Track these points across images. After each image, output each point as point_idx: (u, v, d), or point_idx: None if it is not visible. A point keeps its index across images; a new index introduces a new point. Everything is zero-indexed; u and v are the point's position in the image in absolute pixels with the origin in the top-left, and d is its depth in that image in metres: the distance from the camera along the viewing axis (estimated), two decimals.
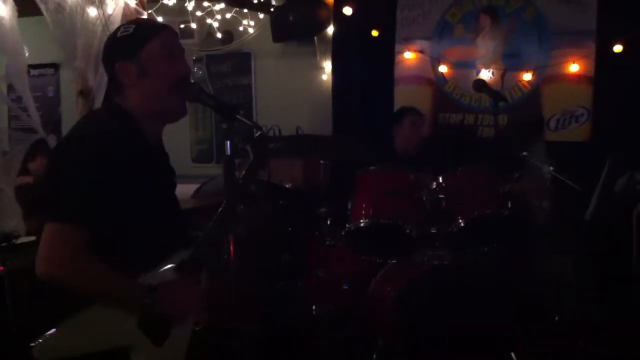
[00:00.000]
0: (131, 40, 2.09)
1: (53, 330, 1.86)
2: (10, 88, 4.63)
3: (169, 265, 2.09)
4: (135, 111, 2.09)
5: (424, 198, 3.73)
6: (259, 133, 2.11)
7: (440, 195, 3.69)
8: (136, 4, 4.38)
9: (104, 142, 1.94)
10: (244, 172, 2.20)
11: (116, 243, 1.95)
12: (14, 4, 3.73)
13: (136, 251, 1.98)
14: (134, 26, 2.13)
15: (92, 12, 4.06)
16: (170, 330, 2.02)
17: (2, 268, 2.88)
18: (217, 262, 2.12)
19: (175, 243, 2.14)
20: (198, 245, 2.15)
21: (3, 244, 3.13)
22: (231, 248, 1.98)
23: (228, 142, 2.03)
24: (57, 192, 1.92)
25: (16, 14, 3.74)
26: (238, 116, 2.08)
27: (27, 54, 3.92)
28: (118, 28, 2.17)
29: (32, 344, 1.84)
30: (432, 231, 3.70)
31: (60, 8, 3.89)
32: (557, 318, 3.92)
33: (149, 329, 1.96)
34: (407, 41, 5.54)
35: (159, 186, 2.17)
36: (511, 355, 3.46)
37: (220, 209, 2.07)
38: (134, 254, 1.97)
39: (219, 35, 6.15)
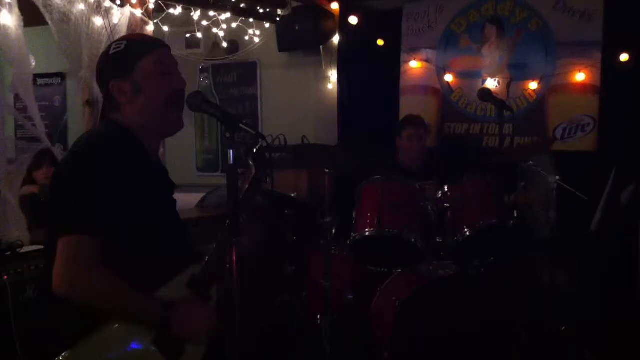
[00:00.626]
0: (124, 57, 2.09)
1: (66, 352, 1.85)
2: (17, 97, 4.63)
3: (181, 281, 2.09)
4: (133, 126, 2.10)
5: (429, 208, 3.73)
6: (258, 146, 2.11)
7: (445, 205, 3.69)
8: (142, 13, 4.39)
9: (104, 154, 1.95)
10: (247, 185, 2.19)
11: (123, 257, 1.94)
12: (19, 13, 3.73)
13: (143, 265, 1.98)
14: (125, 42, 2.12)
15: (97, 21, 4.06)
16: (185, 346, 2.02)
17: (5, 277, 2.87)
18: (223, 275, 2.11)
19: (180, 257, 2.14)
20: (208, 260, 2.14)
21: (7, 253, 3.12)
22: (234, 259, 1.96)
23: (231, 152, 2.02)
24: (63, 207, 1.92)
25: (22, 23, 3.74)
26: (241, 125, 2.08)
27: (34, 64, 3.91)
28: (110, 45, 2.15)
29: None
30: (438, 241, 3.69)
31: (65, 18, 3.89)
32: (563, 328, 3.90)
33: (164, 346, 1.96)
34: (413, 51, 5.54)
35: (162, 197, 2.17)
36: None
37: (227, 221, 2.06)
38: (141, 268, 1.96)
39: (224, 45, 6.15)
